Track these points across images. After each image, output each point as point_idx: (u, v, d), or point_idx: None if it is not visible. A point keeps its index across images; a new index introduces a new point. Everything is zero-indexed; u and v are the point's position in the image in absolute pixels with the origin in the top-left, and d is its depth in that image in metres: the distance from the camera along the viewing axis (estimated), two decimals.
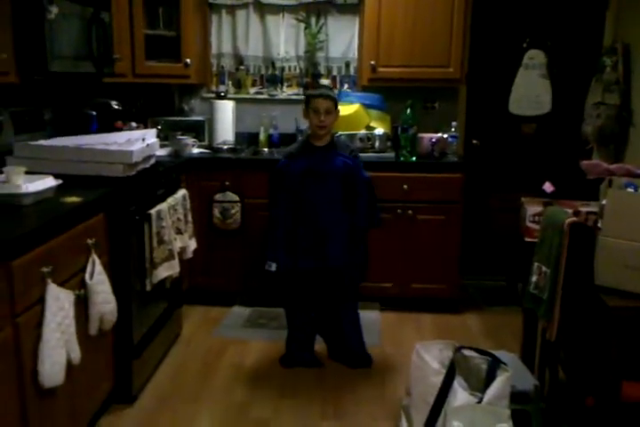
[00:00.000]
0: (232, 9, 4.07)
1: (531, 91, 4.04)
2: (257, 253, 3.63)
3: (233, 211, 3.60)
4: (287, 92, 4.18)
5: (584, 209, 2.45)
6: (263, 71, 4.17)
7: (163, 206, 2.77)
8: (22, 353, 1.82)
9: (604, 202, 2.18)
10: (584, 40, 4.02)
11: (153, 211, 2.66)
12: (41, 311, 1.89)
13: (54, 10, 2.46)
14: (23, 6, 2.33)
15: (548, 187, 2.78)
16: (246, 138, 4.09)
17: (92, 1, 2.82)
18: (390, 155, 3.72)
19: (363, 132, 3.73)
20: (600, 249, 2.07)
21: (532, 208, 2.59)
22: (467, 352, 2.20)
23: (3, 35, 2.25)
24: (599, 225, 2.17)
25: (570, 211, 2.37)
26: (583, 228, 2.18)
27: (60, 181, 2.36)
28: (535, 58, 4.02)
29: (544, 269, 2.27)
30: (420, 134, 3.70)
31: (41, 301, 1.90)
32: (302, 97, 4.07)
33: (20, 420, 1.84)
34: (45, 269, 1.92)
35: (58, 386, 1.95)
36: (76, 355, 2.04)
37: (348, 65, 4.13)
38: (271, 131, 4.05)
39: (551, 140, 4.21)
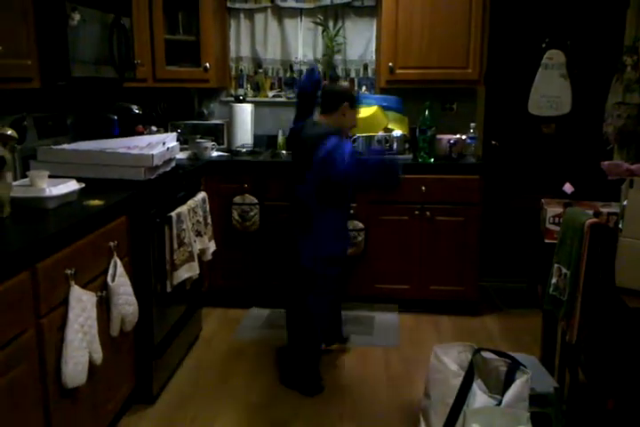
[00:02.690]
0: (250, 13, 4.10)
1: (550, 91, 3.99)
2: (276, 255, 3.67)
3: (252, 213, 3.62)
4: None
5: (605, 210, 2.43)
6: (281, 74, 4.20)
7: (183, 209, 2.81)
8: (46, 354, 1.86)
9: (624, 203, 2.15)
10: (604, 39, 3.96)
11: (173, 213, 2.69)
12: (64, 313, 1.93)
13: (76, 16, 2.51)
14: (46, 13, 2.38)
15: (568, 188, 2.75)
16: (265, 141, 4.12)
17: (113, 7, 2.87)
18: (408, 156, 3.71)
19: (381, 133, 3.72)
20: (621, 250, 2.04)
21: (553, 209, 2.56)
22: (486, 354, 2.19)
23: (27, 41, 2.29)
24: (620, 226, 2.14)
25: (590, 212, 2.35)
26: (604, 229, 2.16)
27: (83, 185, 2.40)
28: (554, 58, 3.97)
29: (564, 270, 2.25)
30: (439, 136, 3.70)
31: (64, 302, 1.94)
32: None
33: (43, 419, 1.88)
34: (69, 272, 1.96)
35: (80, 386, 1.98)
36: (98, 355, 2.08)
37: (365, 67, 4.13)
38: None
39: (571, 140, 4.16)
